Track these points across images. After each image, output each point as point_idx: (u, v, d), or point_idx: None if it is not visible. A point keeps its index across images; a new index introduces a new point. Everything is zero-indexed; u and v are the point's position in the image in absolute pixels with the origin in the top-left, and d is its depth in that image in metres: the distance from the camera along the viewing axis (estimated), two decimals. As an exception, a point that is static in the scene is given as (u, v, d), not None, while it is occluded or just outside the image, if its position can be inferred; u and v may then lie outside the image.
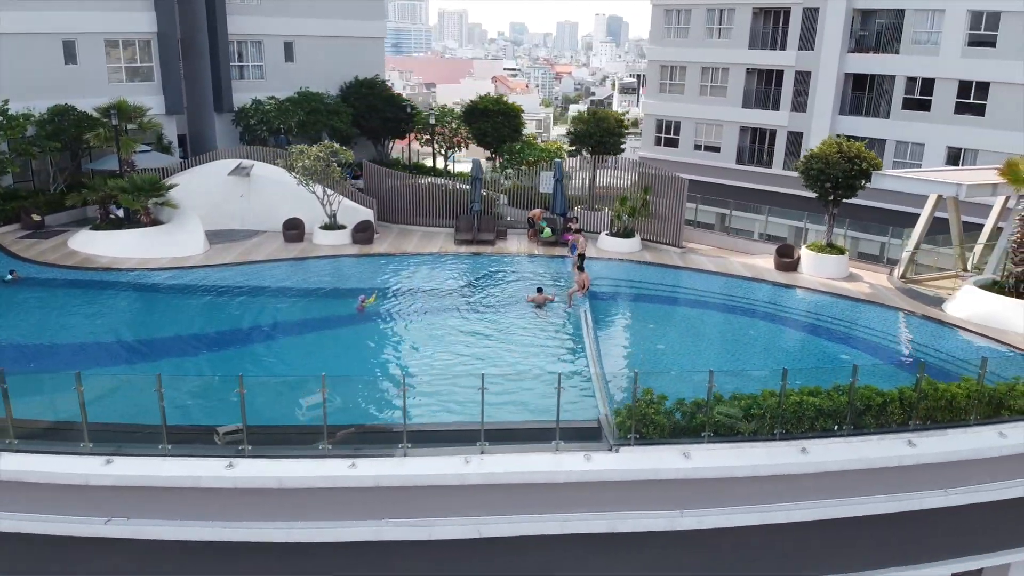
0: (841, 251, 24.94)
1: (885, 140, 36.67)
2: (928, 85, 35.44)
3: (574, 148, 32.49)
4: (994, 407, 13.95)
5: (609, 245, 27.16)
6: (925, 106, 35.61)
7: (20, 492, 12.10)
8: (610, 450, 12.77)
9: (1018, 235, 20.72)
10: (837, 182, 23.65)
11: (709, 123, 42.29)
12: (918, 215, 24.49)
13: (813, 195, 24.93)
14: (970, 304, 20.89)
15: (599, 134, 30.39)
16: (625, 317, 22.86)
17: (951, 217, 23.99)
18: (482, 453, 12.52)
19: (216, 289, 22.83)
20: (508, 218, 30.20)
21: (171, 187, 26.75)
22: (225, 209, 28.15)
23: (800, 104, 38.95)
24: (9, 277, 22.32)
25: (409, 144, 41.68)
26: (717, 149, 42.03)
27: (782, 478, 12.69)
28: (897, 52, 36.24)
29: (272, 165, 28.07)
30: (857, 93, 37.91)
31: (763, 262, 25.86)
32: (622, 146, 32.09)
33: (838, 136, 26.23)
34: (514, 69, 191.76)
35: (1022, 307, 19.94)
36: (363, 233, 27.25)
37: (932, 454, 13.08)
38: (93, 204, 27.38)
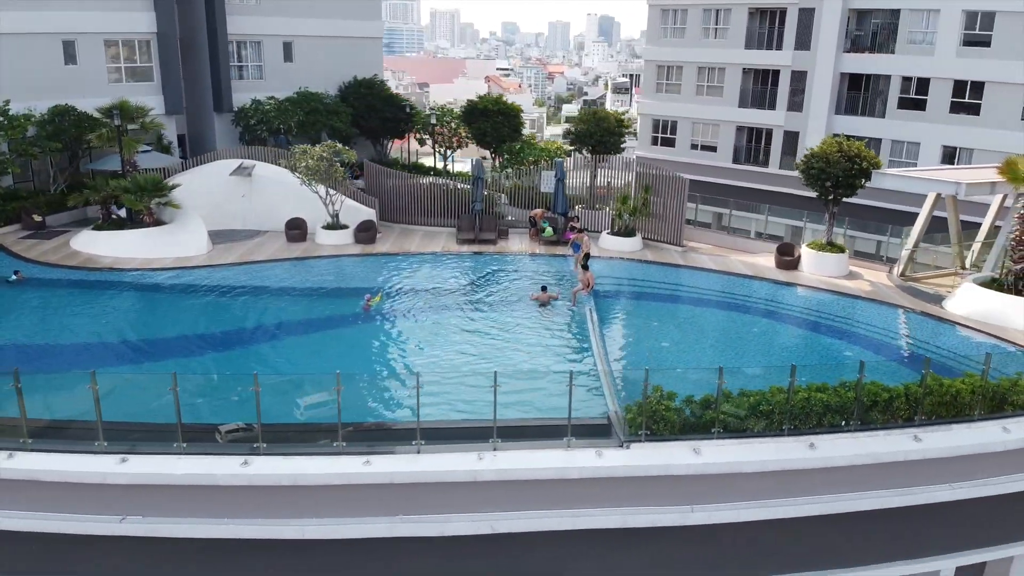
0: (841, 249, 25.15)
1: (881, 139, 36.91)
2: (923, 85, 35.72)
3: (574, 148, 32.64)
4: (997, 402, 14.14)
5: (610, 244, 27.31)
6: (920, 106, 35.88)
7: (35, 491, 12.15)
8: (621, 446, 12.89)
9: (1017, 233, 20.96)
10: (837, 181, 23.86)
11: (705, 123, 42.50)
12: (913, 213, 24.73)
13: (810, 194, 25.14)
14: (970, 301, 21.13)
15: (599, 134, 30.53)
16: (629, 315, 23.02)
17: (950, 216, 24.23)
18: (495, 450, 12.64)
19: (220, 289, 22.88)
20: (510, 217, 30.32)
21: (174, 187, 26.75)
22: (227, 209, 28.17)
23: (796, 104, 39.17)
24: (13, 278, 22.32)
25: (409, 144, 41.75)
26: (714, 148, 42.24)
27: (791, 473, 12.84)
28: (892, 52, 36.51)
29: (274, 165, 28.12)
30: (853, 93, 38.15)
31: (764, 260, 26.06)
32: (622, 146, 32.24)
33: (837, 135, 26.44)
34: (507, 69, 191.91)
35: (1021, 304, 20.19)
36: (365, 233, 27.32)
37: (937, 449, 13.24)
38: (95, 204, 27.37)
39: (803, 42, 38.43)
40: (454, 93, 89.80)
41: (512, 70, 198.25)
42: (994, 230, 23.86)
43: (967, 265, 24.57)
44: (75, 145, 29.44)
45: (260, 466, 12.14)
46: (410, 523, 12.32)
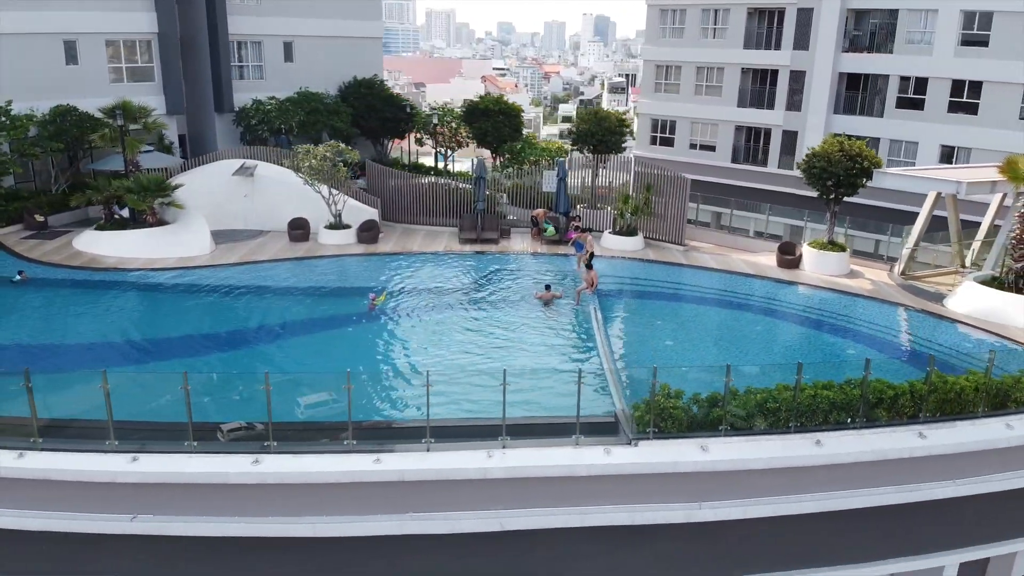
0: (842, 248, 25.28)
1: (879, 139, 37.04)
2: (921, 84, 35.88)
3: (575, 147, 32.72)
4: (1000, 400, 14.27)
5: (613, 243, 27.40)
6: (919, 105, 36.04)
7: (46, 491, 12.18)
8: (629, 444, 12.98)
9: (1017, 231, 21.11)
10: (839, 180, 23.98)
11: (704, 122, 42.63)
12: (913, 213, 24.87)
13: (809, 193, 25.25)
14: (971, 299, 21.27)
15: (601, 133, 30.63)
16: (633, 314, 23.12)
17: (950, 214, 24.38)
18: (504, 448, 12.71)
19: (223, 289, 22.92)
20: (511, 217, 30.40)
21: (177, 187, 26.78)
22: (229, 209, 28.20)
23: (795, 103, 39.31)
24: (18, 278, 22.33)
25: (409, 144, 41.80)
26: (712, 148, 42.36)
27: (797, 470, 12.95)
28: (891, 52, 36.66)
29: (276, 165, 28.17)
30: (851, 92, 38.28)
31: (765, 259, 26.18)
32: (623, 145, 32.33)
33: (836, 135, 26.57)
34: (503, 69, 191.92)
35: (1022, 302, 20.33)
36: (368, 232, 27.38)
37: (942, 445, 13.35)
38: (97, 204, 27.38)
39: (802, 42, 38.57)
40: (450, 93, 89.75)
41: (508, 70, 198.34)
42: (994, 229, 24.01)
43: (967, 264, 24.72)
44: (76, 145, 29.46)
45: (271, 464, 12.20)
46: (420, 520, 12.39)
